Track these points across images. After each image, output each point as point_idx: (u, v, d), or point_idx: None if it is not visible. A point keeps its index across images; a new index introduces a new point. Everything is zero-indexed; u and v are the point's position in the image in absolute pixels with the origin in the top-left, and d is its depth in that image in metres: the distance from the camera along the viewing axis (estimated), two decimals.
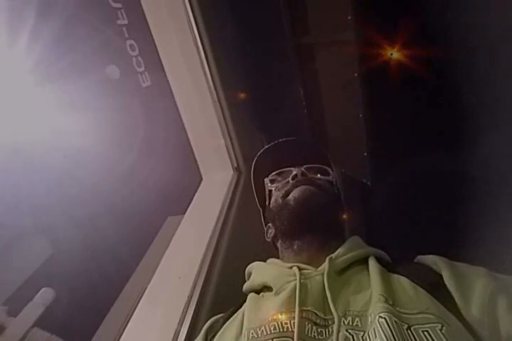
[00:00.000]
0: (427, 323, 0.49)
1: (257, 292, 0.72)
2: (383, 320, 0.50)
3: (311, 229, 0.75)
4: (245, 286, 0.77)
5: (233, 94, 1.25)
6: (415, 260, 0.69)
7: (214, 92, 1.22)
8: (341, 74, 1.30)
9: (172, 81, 1.23)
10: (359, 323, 0.53)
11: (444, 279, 0.58)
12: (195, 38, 1.15)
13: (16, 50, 1.05)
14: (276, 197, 0.83)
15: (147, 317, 0.89)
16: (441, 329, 0.48)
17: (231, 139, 1.29)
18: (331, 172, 0.88)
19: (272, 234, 0.84)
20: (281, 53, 1.42)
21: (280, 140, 0.94)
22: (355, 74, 1.20)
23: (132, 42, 1.31)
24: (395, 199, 1.36)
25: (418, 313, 0.51)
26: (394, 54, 1.17)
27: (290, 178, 0.81)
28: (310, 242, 0.74)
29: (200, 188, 1.36)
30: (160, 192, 1.79)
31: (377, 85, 1.23)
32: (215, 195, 1.26)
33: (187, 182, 1.57)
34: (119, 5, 1.26)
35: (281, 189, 0.82)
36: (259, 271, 0.77)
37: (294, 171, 0.83)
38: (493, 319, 0.51)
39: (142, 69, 1.35)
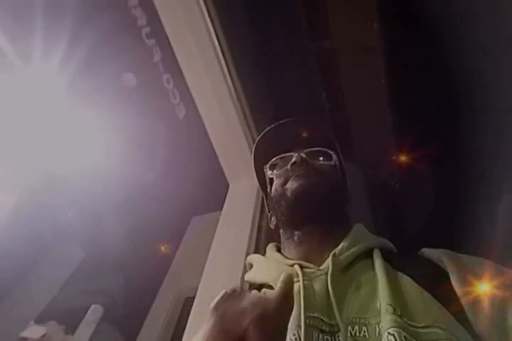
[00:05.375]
0: (436, 340, 0.48)
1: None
2: (392, 337, 0.48)
3: (311, 219, 0.73)
4: (247, 277, 0.78)
5: (257, 107, 1.28)
6: (420, 252, 0.68)
7: (238, 104, 1.26)
8: (367, 81, 1.31)
9: (197, 98, 1.25)
10: (366, 334, 0.52)
11: (452, 282, 0.56)
12: (220, 58, 1.18)
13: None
14: (276, 185, 0.81)
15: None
16: None
17: None
18: (333, 155, 0.84)
19: (274, 222, 0.84)
20: (304, 60, 1.43)
21: (281, 121, 0.89)
22: (382, 81, 1.21)
23: (168, 75, 1.33)
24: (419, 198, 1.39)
25: (426, 327, 0.50)
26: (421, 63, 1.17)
27: (289, 165, 0.79)
28: (311, 233, 0.73)
29: (228, 195, 1.40)
30: (185, 198, 1.83)
31: (404, 91, 1.24)
32: (245, 202, 1.30)
33: (212, 188, 1.62)
34: (153, 41, 1.29)
35: (280, 177, 0.80)
36: (259, 268, 0.77)
37: (294, 158, 0.79)
38: (502, 328, 0.50)
39: (178, 100, 1.38)
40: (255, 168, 0.94)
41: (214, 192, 1.62)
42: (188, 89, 1.22)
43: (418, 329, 0.50)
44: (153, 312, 1.63)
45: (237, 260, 1.09)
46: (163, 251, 1.99)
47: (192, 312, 1.02)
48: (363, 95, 1.47)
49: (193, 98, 1.24)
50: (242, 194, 1.35)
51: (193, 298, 1.45)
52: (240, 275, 1.03)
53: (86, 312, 1.41)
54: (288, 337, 0.53)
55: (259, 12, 1.42)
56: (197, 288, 1.23)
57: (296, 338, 0.52)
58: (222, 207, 1.37)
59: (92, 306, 1.24)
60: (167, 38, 1.17)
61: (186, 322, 1.19)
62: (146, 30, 1.27)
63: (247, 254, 1.10)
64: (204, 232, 1.74)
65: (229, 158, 1.39)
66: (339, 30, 1.36)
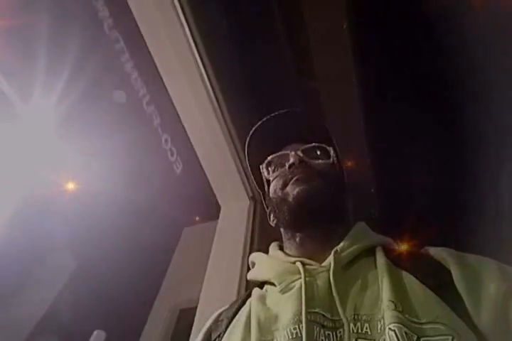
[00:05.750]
0: (438, 335, 0.48)
1: (261, 285, 0.72)
2: (393, 333, 0.48)
3: (313, 222, 0.73)
4: (249, 275, 0.79)
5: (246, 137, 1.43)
6: (422, 250, 0.68)
7: (228, 135, 1.40)
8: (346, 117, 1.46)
9: (191, 134, 1.40)
10: (368, 330, 0.52)
11: (454, 279, 0.56)
12: (210, 94, 1.33)
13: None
14: (275, 186, 0.79)
15: None
16: None
17: (246, 173, 1.47)
18: (331, 151, 0.82)
19: (274, 222, 0.83)
20: (290, 97, 1.57)
21: (272, 114, 0.85)
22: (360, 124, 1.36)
23: (167, 136, 1.48)
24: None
25: (428, 323, 0.50)
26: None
27: (287, 166, 0.77)
28: (312, 235, 0.73)
29: (221, 216, 1.54)
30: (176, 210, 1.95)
31: (382, 132, 1.39)
32: (236, 223, 1.44)
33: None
34: (152, 108, 1.43)
35: (279, 179, 0.78)
36: (261, 266, 0.77)
37: (291, 158, 0.77)
38: (505, 325, 0.50)
39: (175, 158, 1.53)
40: (249, 164, 0.90)
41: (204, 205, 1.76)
42: (183, 147, 1.37)
43: (420, 325, 0.49)
44: (149, 324, 1.70)
45: (233, 277, 1.22)
46: (156, 262, 2.05)
47: (194, 324, 1.12)
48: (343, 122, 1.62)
49: (186, 132, 1.38)
50: (234, 215, 1.49)
51: (188, 309, 1.56)
52: (236, 288, 1.17)
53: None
54: (285, 333, 0.54)
55: (248, 48, 1.56)
56: (191, 300, 1.33)
57: (296, 332, 0.52)
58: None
59: (95, 331, 1.31)
60: (168, 101, 1.32)
61: (181, 333, 1.28)
62: (146, 99, 1.41)
63: (242, 272, 1.24)
64: (196, 243, 1.85)
65: (220, 183, 1.54)
66: (322, 67, 1.52)
